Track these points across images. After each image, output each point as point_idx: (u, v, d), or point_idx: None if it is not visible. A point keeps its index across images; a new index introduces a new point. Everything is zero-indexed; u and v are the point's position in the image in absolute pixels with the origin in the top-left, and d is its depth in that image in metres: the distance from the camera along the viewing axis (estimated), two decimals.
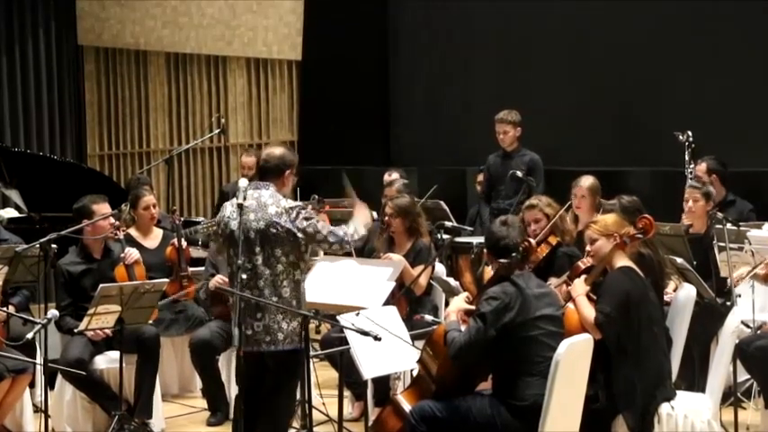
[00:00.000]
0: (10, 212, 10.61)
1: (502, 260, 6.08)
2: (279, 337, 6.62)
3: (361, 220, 6.78)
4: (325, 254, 7.97)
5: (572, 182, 8.75)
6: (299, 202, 6.83)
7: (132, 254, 8.37)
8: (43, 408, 7.58)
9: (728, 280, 7.67)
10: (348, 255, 7.22)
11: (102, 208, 8.34)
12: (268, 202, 6.66)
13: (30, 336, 7.66)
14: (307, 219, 6.62)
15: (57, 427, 7.78)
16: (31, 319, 8.02)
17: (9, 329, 7.90)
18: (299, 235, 6.60)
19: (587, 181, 8.71)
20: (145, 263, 8.50)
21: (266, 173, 6.82)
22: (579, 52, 12.28)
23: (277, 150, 6.92)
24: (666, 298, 7.18)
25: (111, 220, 8.34)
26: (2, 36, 14.21)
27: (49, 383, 7.85)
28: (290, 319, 6.59)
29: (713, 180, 9.49)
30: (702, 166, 9.68)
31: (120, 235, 8.41)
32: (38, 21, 14.69)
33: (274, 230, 6.60)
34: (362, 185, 11.63)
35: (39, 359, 7.77)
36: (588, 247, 6.66)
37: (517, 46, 12.65)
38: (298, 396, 7.28)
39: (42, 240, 8.17)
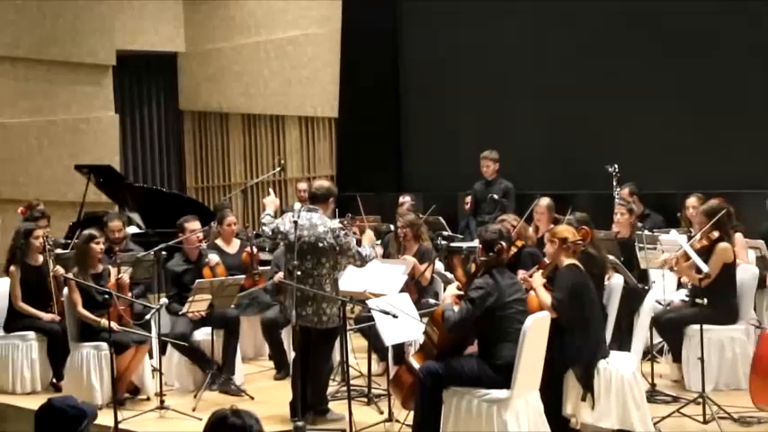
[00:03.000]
0: (133, 229, 10.65)
1: (488, 255, 6.06)
2: (324, 318, 6.72)
3: (369, 242, 6.92)
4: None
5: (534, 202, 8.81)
6: (339, 224, 6.89)
7: (213, 259, 8.39)
8: (158, 368, 7.66)
9: (646, 271, 7.67)
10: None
11: (193, 225, 8.36)
12: (317, 223, 6.74)
13: (148, 317, 7.77)
14: (345, 236, 6.72)
15: (168, 382, 7.77)
16: (149, 304, 8.10)
17: (133, 312, 7.93)
18: (338, 248, 6.69)
19: (544, 201, 8.73)
20: (226, 264, 8.52)
21: (315, 199, 6.93)
22: (539, 106, 12.29)
23: (325, 183, 7.11)
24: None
25: (199, 234, 8.36)
26: (125, 103, 14.31)
27: (162, 351, 7.92)
28: (332, 306, 6.67)
29: (634, 199, 9.50)
30: (626, 190, 9.72)
31: (204, 245, 8.43)
32: (151, 92, 14.81)
33: (321, 244, 6.70)
34: (382, 206, 11.70)
35: (154, 333, 7.80)
36: (545, 250, 6.68)
37: (493, 102, 12.65)
38: (338, 358, 7.30)
39: (155, 249, 8.21)
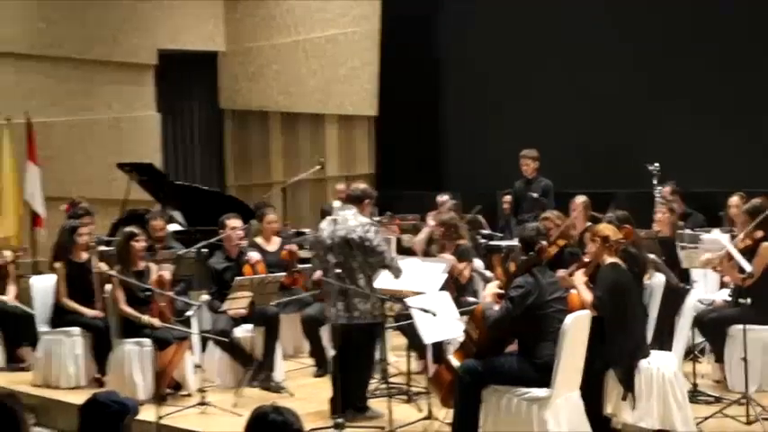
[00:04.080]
0: (174, 227, 10.72)
1: (528, 254, 6.05)
2: (356, 314, 6.73)
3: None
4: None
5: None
6: (371, 220, 6.93)
7: (254, 257, 8.42)
8: (200, 364, 7.70)
9: (688, 270, 7.61)
10: (414, 254, 7.24)
11: (234, 223, 8.39)
12: (349, 218, 6.79)
13: (189, 313, 7.81)
14: (375, 233, 6.75)
15: (209, 379, 7.80)
16: (190, 301, 8.15)
17: (175, 309, 7.98)
18: (366, 243, 6.71)
19: (580, 199, 8.68)
20: (267, 262, 8.55)
21: (351, 200, 7.00)
22: (580, 104, 12.24)
23: (361, 185, 7.23)
24: (644, 284, 7.12)
25: (239, 231, 8.39)
26: (166, 102, 14.39)
27: (203, 347, 7.97)
28: (364, 302, 6.70)
29: (676, 198, 9.42)
30: (668, 189, 9.64)
31: (244, 243, 8.46)
32: (191, 91, 14.90)
33: (352, 239, 6.71)
34: (421, 205, 11.69)
35: (195, 330, 7.84)
36: (587, 249, 6.65)
37: (533, 101, 12.61)
38: (377, 356, 7.31)
39: (196, 247, 8.26)
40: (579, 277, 6.44)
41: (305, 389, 7.88)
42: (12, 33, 12.79)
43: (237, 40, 14.64)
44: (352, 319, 6.75)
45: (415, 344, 7.44)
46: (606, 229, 6.58)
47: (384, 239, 7.01)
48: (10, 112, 12.17)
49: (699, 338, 7.70)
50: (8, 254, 9.32)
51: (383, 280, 6.97)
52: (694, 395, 6.98)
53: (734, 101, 11.09)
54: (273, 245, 9.04)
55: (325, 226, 6.88)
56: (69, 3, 13.13)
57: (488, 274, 8.41)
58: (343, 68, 13.92)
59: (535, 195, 10.58)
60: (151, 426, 6.34)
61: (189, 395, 7.72)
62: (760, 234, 7.29)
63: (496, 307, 6.01)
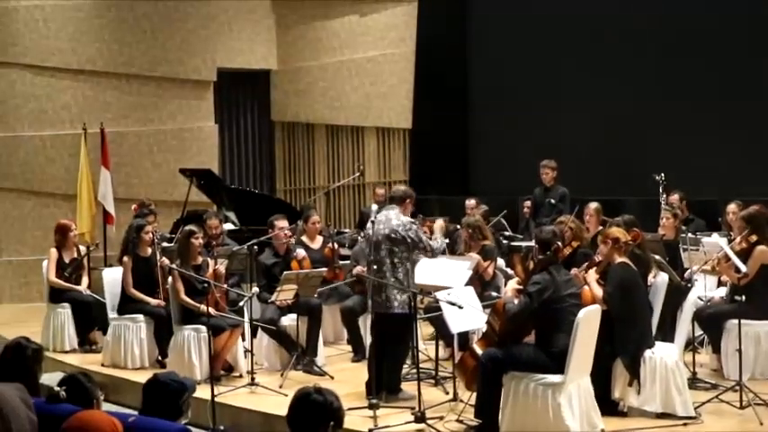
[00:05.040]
0: (229, 226, 10.78)
1: (545, 254, 6.03)
2: (395, 304, 6.71)
3: (439, 231, 7.05)
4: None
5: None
6: (412, 220, 6.91)
7: (300, 253, 8.45)
8: (250, 349, 7.75)
9: (689, 270, 7.55)
10: (442, 254, 7.21)
11: (281, 223, 8.42)
12: (392, 218, 6.78)
13: (241, 304, 7.86)
14: (415, 231, 6.70)
15: (258, 362, 7.82)
16: (242, 293, 8.19)
17: (228, 299, 8.02)
18: (408, 240, 6.68)
19: (593, 205, 8.62)
20: (311, 258, 8.57)
21: (393, 200, 6.97)
22: (595, 118, 12.15)
23: (402, 187, 7.23)
24: (649, 281, 7.07)
25: (287, 231, 8.42)
26: (224, 115, 14.48)
27: (253, 334, 8.00)
28: (402, 294, 6.66)
29: (682, 206, 9.38)
30: (676, 196, 9.61)
31: (292, 240, 8.49)
32: (246, 105, 14.97)
33: (394, 236, 6.70)
34: (450, 208, 11.68)
35: (246, 318, 7.87)
36: (598, 249, 6.62)
37: (552, 115, 12.52)
38: (410, 344, 7.30)
39: (248, 244, 8.30)
40: (591, 275, 6.43)
41: (343, 372, 7.89)
42: (90, 53, 12.95)
43: (288, 60, 14.69)
44: (390, 309, 6.73)
45: (442, 333, 7.45)
46: (616, 231, 6.56)
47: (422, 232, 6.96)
48: (87, 122, 12.33)
49: (698, 331, 7.64)
50: (82, 248, 9.42)
51: (415, 275, 6.96)
52: (693, 382, 6.92)
53: (734, 118, 10.98)
54: (317, 243, 9.05)
55: (370, 226, 6.88)
56: (140, 27, 13.26)
57: (509, 271, 8.39)
58: (383, 86, 13.92)
59: (553, 201, 10.54)
60: (206, 403, 6.37)
61: (240, 376, 7.75)
62: (754, 238, 7.26)
63: (516, 301, 6.00)
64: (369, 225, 6.89)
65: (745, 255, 7.16)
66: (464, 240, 8.33)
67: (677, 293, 7.10)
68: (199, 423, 5.89)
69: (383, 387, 6.77)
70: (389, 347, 6.81)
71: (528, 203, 11.21)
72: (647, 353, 6.27)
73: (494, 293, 7.82)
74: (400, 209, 6.87)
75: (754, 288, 7.10)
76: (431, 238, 6.91)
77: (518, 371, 5.85)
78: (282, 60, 14.73)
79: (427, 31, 13.62)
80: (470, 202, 10.94)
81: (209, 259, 8.00)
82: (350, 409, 6.44)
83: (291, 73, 14.70)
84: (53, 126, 12.77)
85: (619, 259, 6.39)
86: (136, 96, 13.29)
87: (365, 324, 8.16)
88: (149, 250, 8.42)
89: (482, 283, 7.97)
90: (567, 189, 10.70)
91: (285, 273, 7.80)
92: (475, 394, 6.10)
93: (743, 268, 6.80)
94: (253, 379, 7.32)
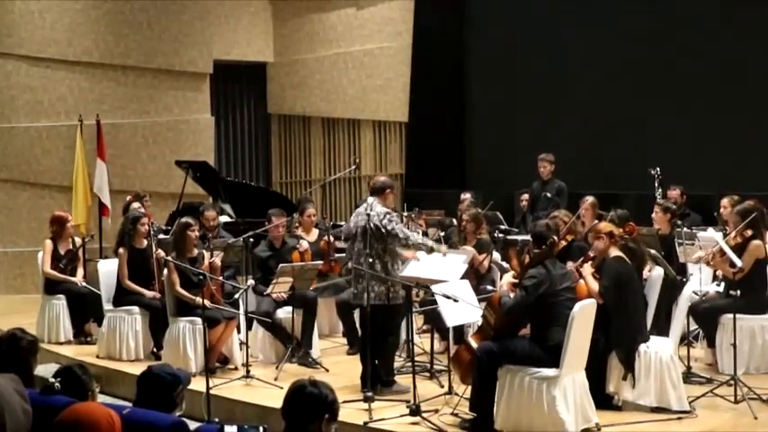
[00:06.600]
0: (225, 219, 10.77)
1: (540, 248, 6.02)
2: (371, 296, 6.65)
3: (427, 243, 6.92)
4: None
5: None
6: (388, 210, 6.85)
7: (304, 245, 8.45)
8: (245, 341, 7.73)
9: (685, 264, 7.56)
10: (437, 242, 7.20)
11: (279, 220, 8.40)
12: (371, 209, 6.76)
13: (237, 296, 7.84)
14: (390, 221, 6.69)
15: (253, 354, 7.82)
16: (237, 285, 8.17)
17: (224, 292, 8.01)
18: (383, 231, 6.66)
19: (589, 199, 8.59)
20: None
21: (374, 192, 6.96)
22: (592, 112, 12.13)
23: (381, 178, 7.17)
24: (644, 275, 7.07)
25: (283, 223, 8.41)
26: (220, 107, 14.46)
27: (248, 326, 7.99)
28: (380, 284, 6.67)
29: (683, 201, 9.41)
30: (677, 191, 9.63)
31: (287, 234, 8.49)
32: (242, 98, 14.95)
33: (372, 227, 6.68)
34: (446, 202, 11.67)
35: (242, 311, 7.87)
36: (593, 243, 6.61)
37: (549, 108, 12.51)
38: (404, 336, 7.28)
39: (244, 236, 8.28)
40: (587, 269, 6.42)
41: (339, 365, 7.88)
42: (86, 44, 12.90)
43: (284, 53, 14.67)
44: (368, 300, 6.70)
45: (438, 326, 7.44)
46: (608, 226, 6.56)
47: (401, 224, 6.93)
48: (83, 114, 12.28)
49: (693, 326, 7.65)
50: (78, 239, 9.39)
51: (410, 269, 6.93)
52: (688, 376, 6.92)
53: (730, 114, 10.97)
54: (312, 236, 9.05)
55: (352, 218, 6.90)
56: (137, 18, 13.21)
57: (505, 265, 8.38)
58: (379, 79, 13.90)
59: (549, 195, 10.53)
60: (201, 395, 6.36)
61: (235, 369, 7.75)
62: (749, 233, 7.25)
63: (512, 295, 5.99)
64: (352, 217, 6.91)
65: (739, 249, 7.16)
66: (466, 233, 8.31)
67: (672, 288, 7.10)
68: (193, 415, 5.87)
69: (378, 379, 6.75)
70: (374, 339, 6.78)
71: (525, 197, 11.20)
72: (642, 347, 6.27)
73: (489, 287, 7.81)
74: (379, 199, 6.86)
75: (749, 283, 7.12)
76: (426, 234, 6.90)
77: (513, 364, 5.84)
78: (279, 53, 14.71)
79: (424, 25, 13.59)
80: (465, 196, 10.93)
81: (204, 251, 7.99)
82: (345, 401, 6.44)
83: (288, 65, 14.67)
84: (49, 117, 12.73)
85: (614, 253, 6.38)
86: (132, 88, 13.25)
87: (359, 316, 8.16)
88: (145, 242, 8.40)
89: (477, 277, 7.96)
90: (564, 183, 10.69)
91: (281, 265, 7.79)
92: (470, 388, 6.09)
93: (738, 263, 6.80)
94: (248, 371, 7.32)
